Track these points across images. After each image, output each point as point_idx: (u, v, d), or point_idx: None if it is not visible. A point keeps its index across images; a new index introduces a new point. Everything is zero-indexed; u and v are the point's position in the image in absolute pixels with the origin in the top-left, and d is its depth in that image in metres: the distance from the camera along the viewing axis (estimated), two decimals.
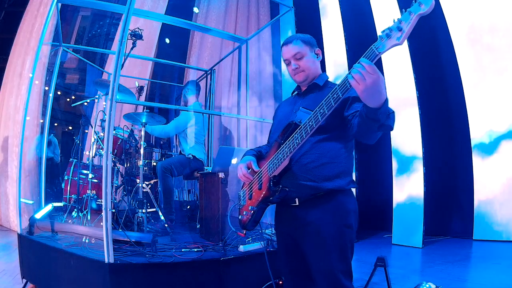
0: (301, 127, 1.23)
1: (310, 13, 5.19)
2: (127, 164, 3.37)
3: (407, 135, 4.11)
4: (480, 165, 3.95)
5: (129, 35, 2.98)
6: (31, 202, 3.88)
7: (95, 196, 3.11)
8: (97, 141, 3.24)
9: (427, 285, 1.90)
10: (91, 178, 3.15)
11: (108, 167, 1.96)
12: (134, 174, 3.31)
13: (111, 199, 2.18)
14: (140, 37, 3.07)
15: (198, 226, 2.99)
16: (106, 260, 1.86)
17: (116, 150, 3.33)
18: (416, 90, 3.98)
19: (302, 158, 1.32)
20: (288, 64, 1.48)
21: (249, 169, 1.45)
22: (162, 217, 2.91)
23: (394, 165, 4.26)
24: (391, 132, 4.30)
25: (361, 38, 4.61)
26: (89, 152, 3.45)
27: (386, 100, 1.07)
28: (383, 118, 1.08)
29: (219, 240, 2.43)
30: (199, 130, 3.52)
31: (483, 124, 3.95)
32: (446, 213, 4.41)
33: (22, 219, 2.70)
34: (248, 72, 4.19)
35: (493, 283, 2.57)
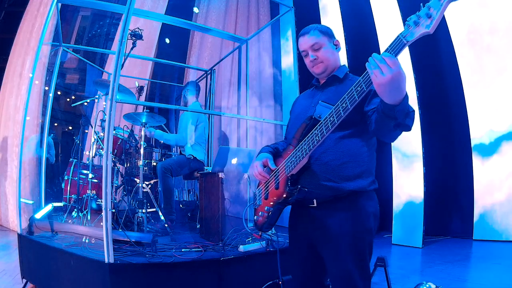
0: (321, 122, 1.14)
1: (310, 13, 5.18)
2: (127, 164, 3.37)
3: (407, 135, 4.11)
4: (480, 165, 3.95)
5: (129, 35, 2.98)
6: (31, 202, 3.87)
7: (95, 196, 3.11)
8: (97, 141, 3.24)
9: (427, 285, 1.89)
10: (91, 178, 3.15)
11: (108, 167, 1.96)
12: (134, 174, 3.31)
13: (111, 199, 2.18)
14: (140, 37, 3.07)
15: (198, 226, 2.99)
16: (106, 260, 1.86)
17: (116, 150, 3.33)
18: (416, 90, 3.98)
19: (322, 156, 1.25)
20: (305, 55, 1.39)
21: (265, 167, 1.37)
22: (162, 217, 2.92)
23: (394, 165, 4.26)
24: None
25: (361, 38, 4.62)
26: (89, 152, 3.45)
27: (406, 97, 0.99)
28: (401, 116, 1.01)
29: (219, 240, 2.43)
30: (201, 131, 3.52)
31: (483, 124, 3.95)
32: (446, 213, 4.41)
33: (22, 219, 2.70)
34: (248, 72, 4.20)
35: (493, 283, 2.57)
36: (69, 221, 3.03)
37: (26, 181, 4.36)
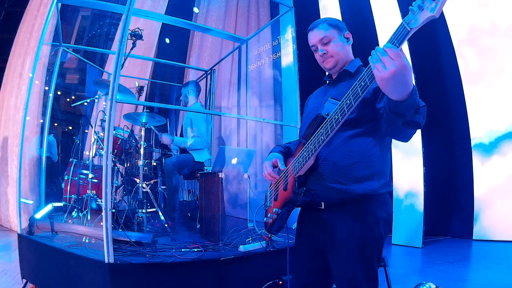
0: (327, 121, 1.09)
1: (310, 13, 5.18)
2: (127, 164, 3.37)
3: None
4: (480, 165, 3.96)
5: (129, 35, 2.98)
6: (31, 202, 3.88)
7: (95, 196, 3.11)
8: (97, 141, 3.24)
9: (427, 285, 1.89)
10: (91, 178, 3.15)
11: (108, 167, 1.96)
12: (134, 174, 3.31)
13: (111, 199, 2.18)
14: (140, 37, 3.07)
15: (198, 226, 2.99)
16: (106, 260, 1.86)
17: (116, 150, 3.33)
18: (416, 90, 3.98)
19: (331, 156, 1.19)
20: (315, 50, 1.33)
21: (275, 167, 1.33)
22: (162, 217, 2.92)
23: (394, 165, 4.26)
24: None
25: (361, 38, 4.59)
26: (89, 152, 3.45)
27: (413, 92, 0.91)
28: (409, 112, 0.93)
29: (219, 240, 2.43)
30: (208, 132, 3.53)
31: (483, 124, 3.95)
32: (446, 213, 4.41)
33: (22, 219, 2.70)
34: (248, 72, 4.20)
35: (493, 283, 2.57)
36: (69, 221, 3.03)
37: (26, 181, 4.36)
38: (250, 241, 2.42)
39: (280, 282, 2.09)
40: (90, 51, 7.87)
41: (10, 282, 2.73)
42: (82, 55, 5.33)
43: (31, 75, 3.00)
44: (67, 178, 3.53)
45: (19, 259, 2.66)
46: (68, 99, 12.68)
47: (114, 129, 3.25)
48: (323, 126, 1.11)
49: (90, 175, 3.15)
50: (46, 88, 4.31)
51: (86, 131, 4.47)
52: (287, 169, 1.28)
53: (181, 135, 3.74)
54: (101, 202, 2.73)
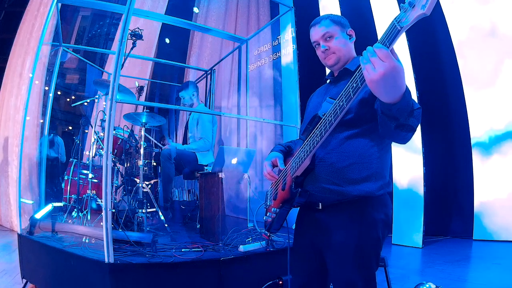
0: (321, 122, 1.08)
1: (310, 13, 5.18)
2: (127, 164, 3.37)
3: None
4: (480, 165, 3.96)
5: (129, 35, 2.98)
6: (31, 202, 3.88)
7: (95, 196, 3.11)
8: (97, 141, 3.24)
9: (427, 285, 1.89)
10: (91, 178, 3.15)
11: (108, 167, 1.96)
12: (134, 174, 3.31)
13: (111, 199, 2.18)
14: (140, 37, 3.07)
15: (198, 226, 2.99)
16: (106, 260, 1.86)
17: (116, 150, 3.33)
18: (416, 90, 3.98)
19: (327, 157, 1.17)
20: (316, 46, 1.31)
21: (275, 166, 1.32)
22: (162, 217, 2.92)
23: (394, 165, 4.26)
24: None
25: (361, 38, 4.60)
26: (89, 152, 3.45)
27: (406, 94, 0.88)
28: (402, 116, 0.90)
29: (219, 240, 2.43)
30: (213, 133, 3.53)
31: (483, 124, 3.95)
32: (446, 213, 4.41)
33: (22, 219, 2.70)
34: (248, 72, 4.20)
35: (493, 283, 2.57)
36: (69, 221, 3.02)
37: (26, 181, 4.37)
38: (250, 241, 2.42)
39: (280, 282, 2.09)
40: (90, 51, 7.89)
41: (10, 282, 2.73)
42: (82, 55, 5.33)
43: (31, 75, 3.01)
44: (67, 178, 3.53)
45: (19, 259, 2.66)
46: (68, 99, 12.69)
47: (114, 129, 3.25)
48: (318, 127, 1.10)
49: (90, 175, 3.15)
50: (46, 88, 4.32)
51: (86, 131, 4.46)
52: (286, 169, 1.27)
53: (184, 136, 3.74)
54: (101, 202, 2.73)
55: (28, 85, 2.99)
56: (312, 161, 1.18)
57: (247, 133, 3.96)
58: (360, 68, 0.90)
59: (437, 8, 4.22)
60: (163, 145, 3.78)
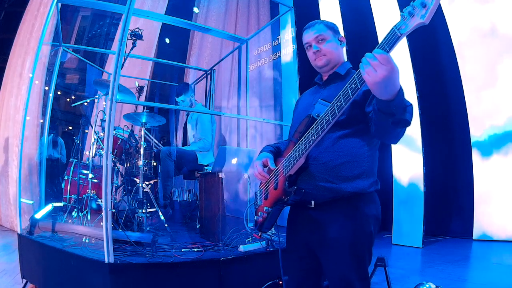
0: (317, 121, 1.13)
1: (310, 13, 5.18)
2: (127, 164, 3.37)
3: (407, 134, 4.11)
4: (480, 165, 3.96)
5: (129, 35, 2.98)
6: (31, 202, 3.88)
7: (95, 196, 3.12)
8: (97, 141, 3.24)
9: (427, 285, 1.89)
10: (91, 178, 3.15)
11: (108, 167, 1.96)
12: (134, 174, 3.32)
13: (111, 199, 2.18)
14: (140, 37, 3.07)
15: (198, 226, 2.99)
16: (106, 260, 1.86)
17: (116, 150, 3.33)
18: (416, 90, 3.98)
19: (321, 156, 1.22)
20: (308, 48, 1.37)
21: (265, 166, 1.35)
22: (162, 217, 2.92)
23: (394, 165, 4.26)
24: None
25: (361, 38, 4.61)
26: (89, 152, 3.45)
27: (400, 91, 0.95)
28: (399, 111, 0.97)
29: (219, 240, 2.43)
30: (213, 133, 3.53)
31: (483, 124, 3.95)
32: (446, 213, 4.41)
33: (22, 219, 2.70)
34: (248, 72, 4.20)
35: (493, 283, 2.57)
36: (69, 221, 3.03)
37: (26, 181, 4.37)
38: (250, 241, 2.42)
39: (280, 282, 2.09)
40: (90, 51, 7.89)
41: (10, 282, 2.73)
42: (82, 55, 5.33)
43: (31, 75, 3.01)
44: (67, 178, 3.53)
45: (19, 259, 2.66)
46: (68, 99, 12.69)
47: (114, 129, 3.25)
48: (313, 127, 1.14)
49: (90, 175, 3.15)
50: (46, 88, 4.32)
51: (86, 131, 4.47)
52: (278, 169, 1.30)
53: (184, 136, 3.73)
54: (101, 202, 2.73)
55: (28, 85, 2.99)
56: (306, 160, 1.22)
57: (247, 133, 3.96)
58: (358, 71, 0.96)
59: (437, 8, 4.21)
60: (163, 145, 3.78)
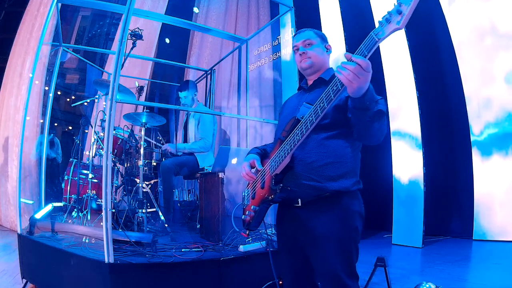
0: (301, 122, 1.20)
1: (310, 13, 5.18)
2: (127, 164, 3.37)
3: (407, 134, 4.11)
4: (480, 165, 3.95)
5: (129, 35, 2.98)
6: (31, 202, 3.88)
7: (95, 196, 3.11)
8: (97, 141, 3.24)
9: (427, 285, 1.89)
10: (91, 178, 3.15)
11: (108, 167, 1.96)
12: (134, 174, 3.32)
13: (111, 199, 2.18)
14: (140, 37, 3.07)
15: (198, 226, 2.99)
16: (106, 260, 1.86)
17: (116, 150, 3.33)
18: (416, 90, 3.98)
19: (306, 157, 1.28)
20: (296, 50, 1.46)
21: (252, 168, 1.42)
22: (162, 217, 2.92)
23: (394, 165, 4.26)
24: (391, 132, 4.31)
25: (361, 38, 4.60)
26: (89, 152, 3.45)
27: (369, 86, 1.05)
28: (371, 104, 1.07)
29: (219, 240, 2.43)
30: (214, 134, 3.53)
31: (483, 124, 3.95)
32: (446, 213, 4.40)
33: (22, 219, 2.70)
34: (248, 72, 4.20)
35: (493, 283, 2.57)
36: (69, 221, 3.02)
37: (26, 181, 4.36)
38: (250, 241, 2.42)
39: (280, 282, 2.09)
40: (90, 51, 7.89)
41: (10, 282, 2.73)
42: (82, 55, 5.34)
43: (31, 75, 3.01)
44: (67, 178, 3.52)
45: (19, 259, 2.66)
46: (68, 99, 12.69)
47: (114, 129, 3.25)
48: (298, 127, 1.21)
49: (90, 175, 3.15)
50: (46, 88, 4.32)
51: (86, 131, 4.47)
52: (264, 169, 1.37)
53: (185, 135, 3.73)
54: (101, 202, 2.73)
55: (28, 85, 2.99)
56: (291, 161, 1.29)
57: (247, 133, 3.96)
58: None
59: (437, 8, 4.22)
60: (163, 144, 3.78)
